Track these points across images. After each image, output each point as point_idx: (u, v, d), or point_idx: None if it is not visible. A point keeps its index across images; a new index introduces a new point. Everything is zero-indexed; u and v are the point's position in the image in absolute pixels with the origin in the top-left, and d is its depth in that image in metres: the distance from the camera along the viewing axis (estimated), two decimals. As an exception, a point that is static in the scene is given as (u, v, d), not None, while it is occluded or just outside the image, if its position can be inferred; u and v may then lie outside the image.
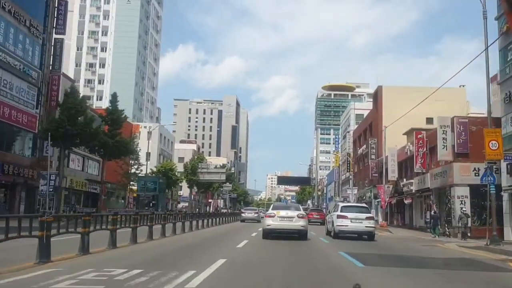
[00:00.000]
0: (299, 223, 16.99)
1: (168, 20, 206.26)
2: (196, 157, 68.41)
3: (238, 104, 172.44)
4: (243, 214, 40.93)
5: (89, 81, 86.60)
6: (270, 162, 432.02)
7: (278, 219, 17.03)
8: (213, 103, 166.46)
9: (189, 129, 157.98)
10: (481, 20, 18.44)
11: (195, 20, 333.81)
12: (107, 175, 38.84)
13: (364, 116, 60.23)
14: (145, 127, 64.08)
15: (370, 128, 50.55)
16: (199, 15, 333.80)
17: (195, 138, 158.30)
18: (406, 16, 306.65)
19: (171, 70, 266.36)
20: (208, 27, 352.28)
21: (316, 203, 78.18)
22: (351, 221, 18.80)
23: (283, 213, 17.28)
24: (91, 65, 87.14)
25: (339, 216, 19.18)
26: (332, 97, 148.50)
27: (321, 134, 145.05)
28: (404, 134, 36.12)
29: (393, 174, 35.80)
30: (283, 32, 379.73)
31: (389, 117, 37.76)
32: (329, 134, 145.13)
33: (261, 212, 44.80)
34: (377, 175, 42.94)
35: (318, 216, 37.54)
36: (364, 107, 66.87)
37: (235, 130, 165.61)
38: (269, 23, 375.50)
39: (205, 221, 26.42)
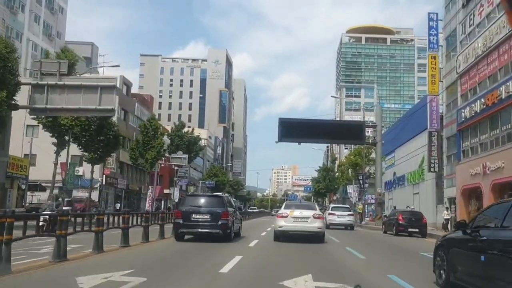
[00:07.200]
0: (315, 225, 15.40)
1: (180, 23, 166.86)
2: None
3: (229, 63, 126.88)
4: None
5: None
6: (277, 162, 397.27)
7: (291, 219, 15.38)
8: (194, 60, 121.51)
9: (160, 95, 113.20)
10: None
11: (208, 23, 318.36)
12: None
13: None
14: None
15: None
16: (212, 19, 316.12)
17: (169, 107, 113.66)
18: (416, 14, 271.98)
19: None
20: (221, 29, 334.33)
21: (382, 192, 32.62)
22: (337, 217, 28.62)
23: (297, 213, 15.52)
24: None
25: (329, 214, 29.04)
26: (363, 42, 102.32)
27: (346, 96, 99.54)
28: None
29: None
30: (295, 34, 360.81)
31: None
32: (359, 95, 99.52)
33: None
34: None
35: None
36: None
37: (225, 98, 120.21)
38: (281, 25, 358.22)
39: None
